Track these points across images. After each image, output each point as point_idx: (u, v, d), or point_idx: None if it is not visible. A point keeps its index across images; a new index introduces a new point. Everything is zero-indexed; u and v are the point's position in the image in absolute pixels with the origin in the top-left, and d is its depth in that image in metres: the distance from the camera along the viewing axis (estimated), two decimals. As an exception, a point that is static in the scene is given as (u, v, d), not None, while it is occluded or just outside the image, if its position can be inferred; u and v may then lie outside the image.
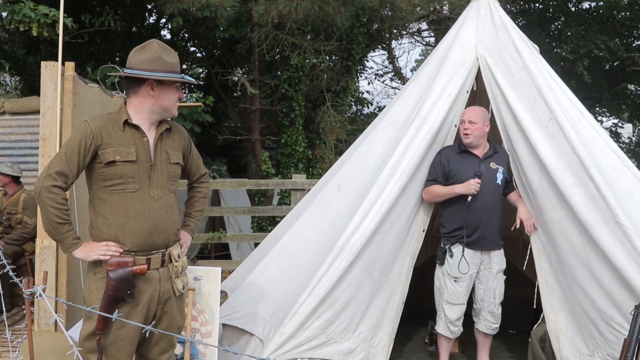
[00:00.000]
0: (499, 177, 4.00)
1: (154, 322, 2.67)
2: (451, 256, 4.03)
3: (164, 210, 2.68)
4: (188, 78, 2.70)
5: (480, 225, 3.97)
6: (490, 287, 4.06)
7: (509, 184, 4.09)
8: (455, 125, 4.11)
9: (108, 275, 2.55)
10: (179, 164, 2.80)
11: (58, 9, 4.79)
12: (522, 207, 4.04)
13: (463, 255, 3.97)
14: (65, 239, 2.56)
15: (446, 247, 4.04)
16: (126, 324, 2.52)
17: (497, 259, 4.08)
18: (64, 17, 4.13)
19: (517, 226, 4.01)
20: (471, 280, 4.05)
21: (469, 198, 3.93)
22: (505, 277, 4.09)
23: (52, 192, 2.50)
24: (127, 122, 2.63)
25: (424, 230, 4.15)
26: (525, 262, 4.13)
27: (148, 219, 2.62)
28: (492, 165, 3.99)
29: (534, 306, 3.97)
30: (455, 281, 4.02)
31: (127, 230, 2.60)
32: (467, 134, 3.98)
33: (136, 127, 2.65)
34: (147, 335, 2.70)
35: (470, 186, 3.90)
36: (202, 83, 11.42)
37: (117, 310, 2.52)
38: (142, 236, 2.61)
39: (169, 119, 2.79)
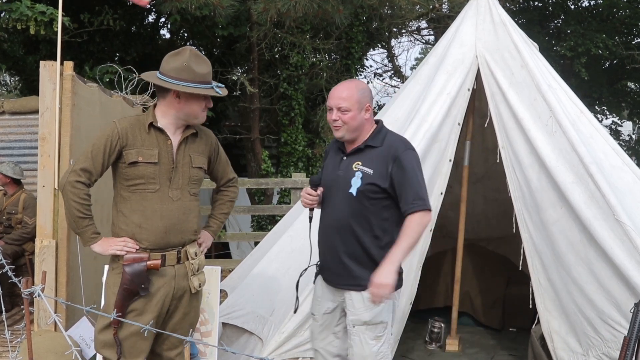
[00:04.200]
0: (355, 183, 2.76)
1: (153, 321, 2.68)
2: (314, 282, 3.05)
3: (181, 211, 2.75)
4: (217, 90, 2.71)
5: (326, 252, 2.88)
6: (348, 343, 2.85)
7: (401, 198, 2.72)
8: (459, 124, 4.11)
9: (123, 269, 2.65)
10: (202, 168, 2.86)
11: (56, 7, 4.78)
12: (382, 265, 2.65)
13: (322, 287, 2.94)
14: (85, 232, 2.67)
15: (317, 265, 3.03)
16: (140, 318, 2.63)
17: (351, 305, 2.79)
18: (62, 16, 4.12)
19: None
20: (334, 321, 2.94)
21: (310, 212, 2.99)
22: (377, 335, 2.79)
23: (76, 187, 2.61)
24: (152, 125, 2.71)
25: (431, 230, 4.11)
26: (523, 261, 4.12)
27: (165, 218, 2.71)
28: (355, 166, 2.79)
29: (530, 306, 3.96)
30: (313, 316, 3.03)
31: (144, 229, 2.69)
32: (336, 127, 2.80)
33: (161, 130, 2.72)
34: (160, 329, 2.75)
35: (301, 196, 2.90)
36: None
37: (130, 304, 2.64)
38: (158, 235, 2.70)
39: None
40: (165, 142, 2.72)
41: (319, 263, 2.98)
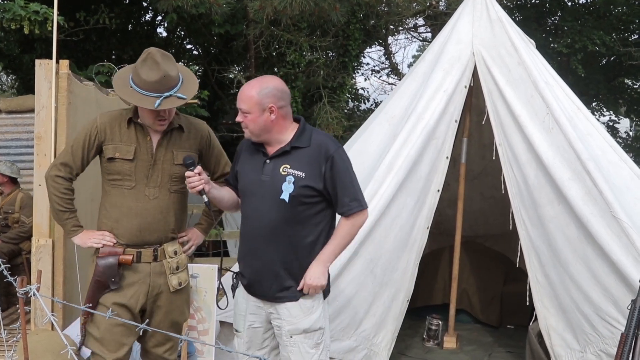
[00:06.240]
0: (287, 188, 2.56)
1: (146, 319, 2.69)
2: (233, 296, 2.84)
3: (158, 210, 2.70)
4: (157, 102, 2.53)
5: (255, 263, 2.66)
6: (284, 356, 2.69)
7: (337, 200, 2.61)
8: (456, 121, 4.11)
9: (96, 262, 2.68)
10: None
11: (50, 6, 4.76)
12: (314, 264, 2.58)
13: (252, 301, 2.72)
14: (66, 225, 2.74)
15: (234, 278, 2.83)
16: (117, 314, 2.58)
17: (288, 315, 2.61)
18: (56, 15, 4.11)
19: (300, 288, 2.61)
20: (258, 337, 2.76)
21: (204, 198, 2.69)
22: (317, 343, 2.64)
23: (56, 181, 2.67)
24: (132, 120, 2.69)
25: (428, 228, 4.11)
26: (519, 258, 4.12)
27: (139, 217, 2.67)
28: (283, 169, 2.59)
29: (528, 303, 3.97)
30: (237, 333, 2.81)
31: (120, 225, 2.69)
32: (244, 128, 2.67)
33: (142, 126, 2.69)
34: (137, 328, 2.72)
35: (187, 183, 2.64)
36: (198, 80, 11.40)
37: (100, 297, 2.67)
38: (132, 232, 2.68)
39: (189, 116, 2.84)
40: (144, 138, 2.68)
41: (235, 275, 2.80)
